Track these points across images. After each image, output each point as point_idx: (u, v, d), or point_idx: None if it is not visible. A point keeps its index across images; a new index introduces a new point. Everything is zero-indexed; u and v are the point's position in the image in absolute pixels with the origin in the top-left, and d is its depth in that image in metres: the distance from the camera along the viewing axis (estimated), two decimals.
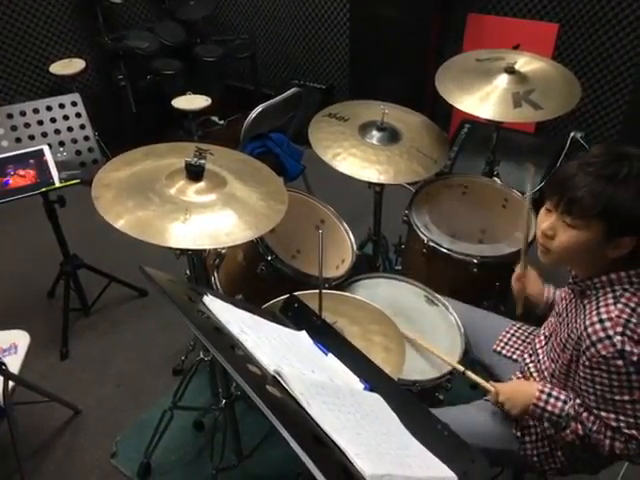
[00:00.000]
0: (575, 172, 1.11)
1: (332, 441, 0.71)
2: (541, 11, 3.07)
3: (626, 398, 1.13)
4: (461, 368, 1.48)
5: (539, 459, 1.35)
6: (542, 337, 1.44)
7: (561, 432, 1.26)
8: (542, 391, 1.27)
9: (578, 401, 1.24)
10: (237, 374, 0.71)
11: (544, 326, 1.47)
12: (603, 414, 1.18)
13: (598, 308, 1.15)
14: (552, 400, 1.26)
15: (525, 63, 2.08)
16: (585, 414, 1.22)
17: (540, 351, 1.41)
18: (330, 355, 1.07)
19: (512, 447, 1.36)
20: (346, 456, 0.70)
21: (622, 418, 1.15)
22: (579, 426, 1.22)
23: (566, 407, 1.24)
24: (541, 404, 1.26)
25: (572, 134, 3.13)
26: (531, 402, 1.27)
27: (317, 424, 0.73)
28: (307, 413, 0.75)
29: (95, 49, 3.81)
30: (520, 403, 1.30)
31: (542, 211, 1.21)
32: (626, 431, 1.15)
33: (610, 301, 1.14)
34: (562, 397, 1.26)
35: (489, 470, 0.86)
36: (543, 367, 1.36)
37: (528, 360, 1.45)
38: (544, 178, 3.00)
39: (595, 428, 1.20)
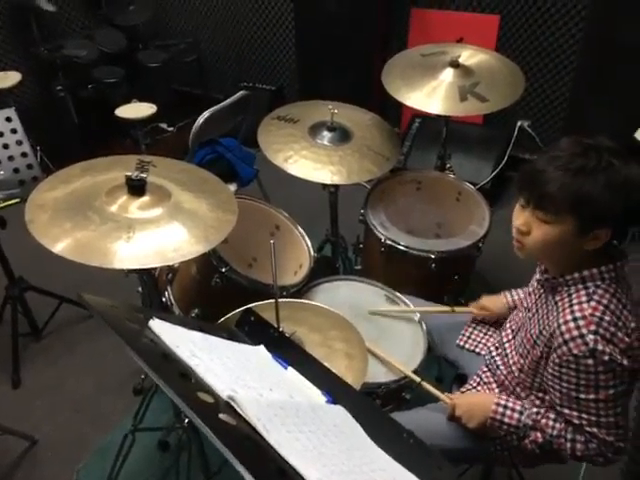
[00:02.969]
0: (544, 167, 1.10)
1: (292, 467, 0.68)
2: (482, 3, 3.10)
3: (591, 397, 1.13)
4: (417, 379, 1.46)
5: (509, 453, 1.35)
6: (509, 331, 1.43)
7: (520, 442, 1.27)
8: (498, 404, 1.28)
9: (535, 410, 1.25)
10: (185, 405, 0.66)
11: (510, 319, 1.48)
12: (566, 411, 1.18)
13: (571, 306, 1.14)
14: (508, 412, 1.27)
15: (469, 56, 2.09)
16: (544, 421, 1.23)
17: (507, 345, 1.41)
18: (290, 369, 1.03)
19: (482, 444, 1.36)
20: None
21: (585, 416, 1.16)
22: (538, 434, 1.23)
23: (522, 417, 1.25)
24: (498, 417, 1.27)
25: (519, 123, 3.19)
26: (488, 416, 1.28)
27: (275, 450, 0.69)
28: (265, 439, 0.71)
29: (31, 60, 3.65)
30: (477, 416, 1.31)
31: (517, 207, 1.20)
32: (587, 429, 1.16)
33: (583, 299, 1.14)
34: (518, 408, 1.27)
35: (456, 476, 0.84)
36: (511, 362, 1.36)
37: (494, 353, 1.45)
38: (494, 168, 3.05)
39: (555, 433, 1.20)
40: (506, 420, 1.26)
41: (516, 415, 1.26)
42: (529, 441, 1.25)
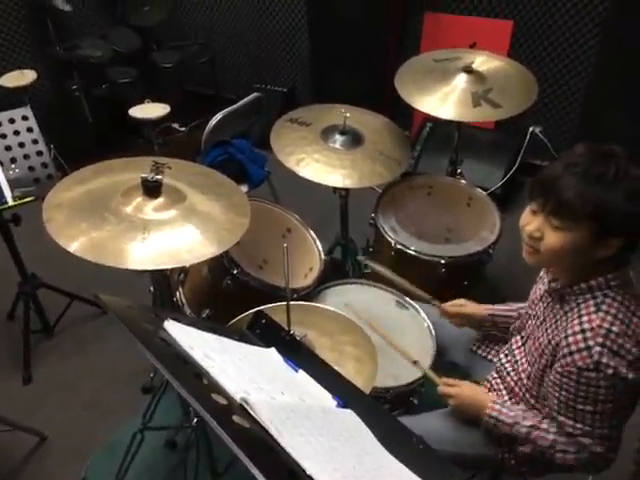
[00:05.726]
0: (561, 173, 1.08)
1: (304, 471, 0.69)
2: (496, 8, 3.09)
3: (588, 409, 1.13)
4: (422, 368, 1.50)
5: (517, 462, 1.34)
6: (519, 337, 1.43)
7: (514, 445, 1.28)
8: (495, 402, 1.29)
9: (529, 423, 1.25)
10: (200, 407, 0.67)
11: (517, 326, 1.47)
12: (561, 419, 1.18)
13: (580, 317, 1.13)
14: (505, 410, 1.27)
15: (482, 62, 2.09)
16: (536, 433, 1.23)
17: (517, 352, 1.40)
18: (301, 372, 1.04)
19: (489, 451, 1.36)
20: None
21: (579, 426, 1.16)
22: (530, 445, 1.24)
23: (515, 427, 1.26)
24: (494, 414, 1.28)
25: (531, 129, 3.17)
26: (484, 412, 1.28)
27: (288, 453, 0.70)
28: (277, 442, 0.72)
29: (47, 59, 3.68)
30: (470, 413, 1.33)
31: (527, 211, 1.18)
32: (580, 439, 1.16)
33: (592, 309, 1.13)
34: (512, 414, 1.27)
35: None
36: (520, 369, 1.36)
37: (504, 360, 1.45)
38: (505, 174, 3.04)
39: (547, 444, 1.21)
40: (502, 417, 1.27)
41: (512, 413, 1.27)
42: (520, 450, 1.27)
